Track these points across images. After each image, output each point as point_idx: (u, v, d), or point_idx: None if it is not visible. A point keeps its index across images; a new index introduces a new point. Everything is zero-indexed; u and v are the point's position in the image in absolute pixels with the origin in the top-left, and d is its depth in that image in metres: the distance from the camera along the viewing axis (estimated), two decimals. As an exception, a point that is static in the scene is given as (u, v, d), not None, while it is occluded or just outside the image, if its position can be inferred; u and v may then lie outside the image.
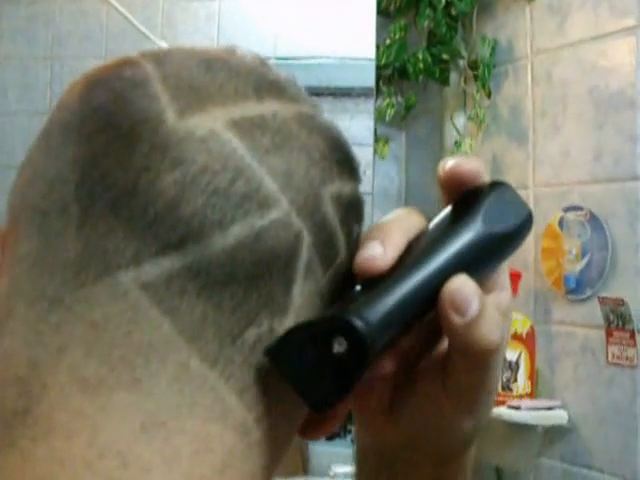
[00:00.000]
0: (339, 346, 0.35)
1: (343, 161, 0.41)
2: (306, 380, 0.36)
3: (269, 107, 0.39)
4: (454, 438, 0.43)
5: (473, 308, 0.36)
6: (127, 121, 0.37)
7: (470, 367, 0.39)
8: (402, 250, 0.38)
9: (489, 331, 0.37)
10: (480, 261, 0.38)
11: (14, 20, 1.90)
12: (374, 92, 1.64)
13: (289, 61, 1.70)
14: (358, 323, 0.34)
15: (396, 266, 0.37)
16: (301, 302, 0.37)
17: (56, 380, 0.35)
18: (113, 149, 0.36)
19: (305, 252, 0.37)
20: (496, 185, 0.39)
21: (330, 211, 0.39)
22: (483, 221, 0.38)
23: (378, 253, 0.37)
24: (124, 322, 0.35)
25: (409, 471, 0.45)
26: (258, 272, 0.36)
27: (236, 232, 0.35)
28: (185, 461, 0.35)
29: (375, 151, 1.70)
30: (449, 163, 0.40)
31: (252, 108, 0.38)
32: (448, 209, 0.39)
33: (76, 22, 1.89)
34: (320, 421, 0.41)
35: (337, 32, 1.68)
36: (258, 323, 0.36)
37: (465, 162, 0.40)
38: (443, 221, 0.39)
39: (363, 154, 1.67)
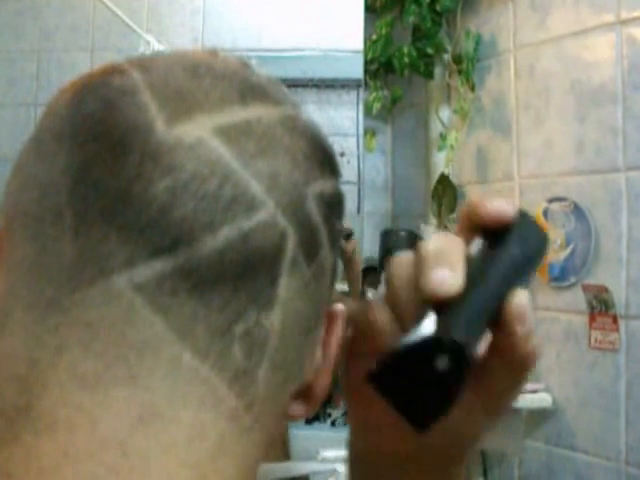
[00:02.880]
0: (442, 363, 0.37)
1: (324, 160, 0.43)
2: (409, 401, 0.39)
3: (253, 112, 0.40)
4: (472, 439, 0.46)
5: (531, 319, 0.39)
6: (118, 130, 0.38)
7: (515, 373, 0.42)
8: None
9: (535, 340, 0.40)
10: (519, 278, 0.42)
11: (1, 14, 1.89)
12: (362, 83, 1.66)
13: (274, 53, 1.73)
14: (461, 340, 0.37)
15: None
16: (287, 296, 0.39)
17: (56, 378, 0.36)
18: (105, 157, 0.38)
19: (290, 249, 0.39)
20: (520, 215, 0.43)
21: (314, 209, 0.41)
22: (518, 246, 0.42)
23: (451, 278, 0.39)
24: (119, 322, 0.36)
25: (418, 474, 0.48)
26: (246, 271, 0.37)
27: (225, 234, 0.37)
28: (181, 448, 0.37)
29: (359, 142, 1.72)
30: (490, 205, 0.43)
31: (237, 114, 0.40)
32: (482, 238, 0.43)
33: (63, 15, 1.90)
34: (305, 403, 0.44)
35: (324, 25, 1.70)
36: (246, 318, 0.38)
37: (502, 204, 0.42)
38: (484, 247, 0.42)
39: (348, 144, 1.70)
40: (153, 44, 1.74)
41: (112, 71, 0.41)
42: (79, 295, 0.37)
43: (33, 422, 0.36)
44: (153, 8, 1.84)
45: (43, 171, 0.39)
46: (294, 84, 1.66)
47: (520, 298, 0.40)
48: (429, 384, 0.38)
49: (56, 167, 0.39)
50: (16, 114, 1.91)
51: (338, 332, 0.45)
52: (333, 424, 1.66)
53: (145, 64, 0.41)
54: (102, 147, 0.38)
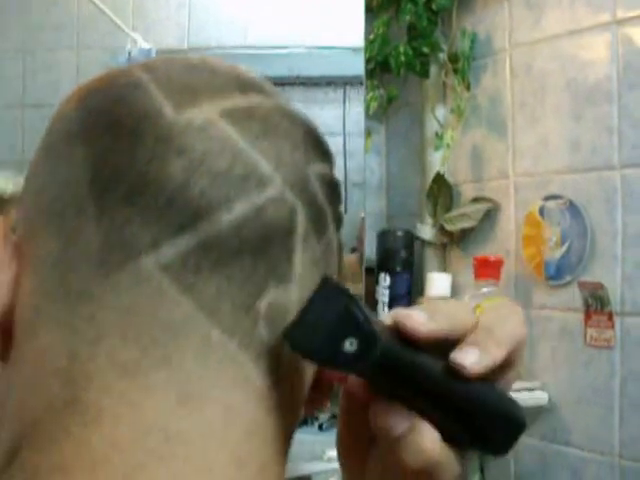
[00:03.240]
0: (350, 345, 0.38)
1: (319, 146, 0.45)
2: (318, 346, 0.38)
3: (254, 99, 0.42)
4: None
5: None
6: (130, 119, 0.39)
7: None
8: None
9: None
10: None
11: (-14, 13, 1.89)
12: (364, 81, 1.66)
13: (260, 50, 1.73)
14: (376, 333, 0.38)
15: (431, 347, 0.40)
16: (301, 271, 0.41)
17: (97, 368, 0.37)
18: (120, 145, 0.39)
19: (301, 225, 0.41)
20: None
21: (317, 188, 0.42)
22: None
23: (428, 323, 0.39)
24: (150, 304, 0.37)
25: None
26: (262, 245, 0.39)
27: (239, 209, 0.38)
28: (218, 430, 0.37)
29: (345, 141, 1.72)
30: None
31: (239, 100, 0.42)
32: None
33: (48, 13, 1.89)
34: (315, 397, 0.44)
35: (321, 22, 1.70)
36: (267, 293, 0.39)
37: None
38: None
39: (335, 143, 1.70)
40: (139, 42, 1.74)
41: (117, 73, 0.43)
42: (109, 281, 0.38)
43: (81, 414, 0.36)
44: (138, 4, 1.83)
45: (59, 171, 0.41)
46: (280, 82, 1.66)
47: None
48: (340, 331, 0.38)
49: (72, 164, 0.40)
50: (3, 114, 1.89)
51: None
52: (320, 428, 1.66)
53: (147, 66, 0.43)
54: (116, 136, 0.39)
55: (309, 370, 0.43)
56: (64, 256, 0.39)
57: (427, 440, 0.39)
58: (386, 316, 0.42)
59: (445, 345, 0.40)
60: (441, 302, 0.43)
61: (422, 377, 0.39)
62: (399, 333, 0.39)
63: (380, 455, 0.43)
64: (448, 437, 0.41)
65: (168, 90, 0.41)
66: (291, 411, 0.42)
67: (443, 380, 0.39)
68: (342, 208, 0.46)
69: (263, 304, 0.39)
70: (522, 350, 0.42)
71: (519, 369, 0.42)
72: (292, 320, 0.39)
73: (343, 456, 0.47)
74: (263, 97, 0.43)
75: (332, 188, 0.44)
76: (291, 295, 0.40)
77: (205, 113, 0.40)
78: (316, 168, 0.43)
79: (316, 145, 0.44)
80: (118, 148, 0.39)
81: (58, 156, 0.41)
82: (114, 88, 0.42)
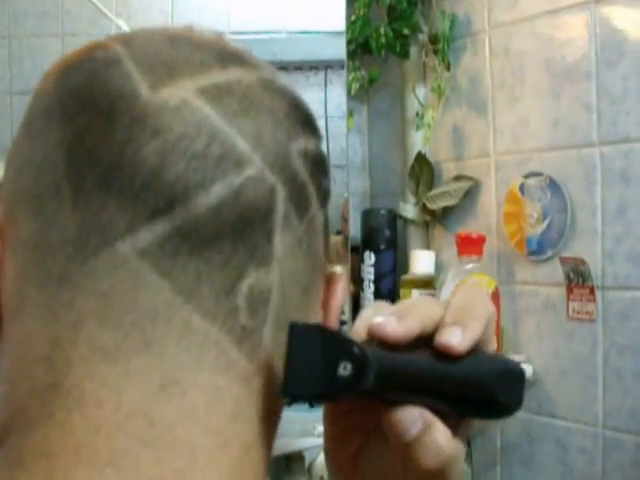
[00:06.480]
0: (344, 369, 0.39)
1: (304, 120, 0.44)
2: (300, 369, 0.39)
3: (233, 74, 0.41)
4: None
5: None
6: (105, 98, 0.39)
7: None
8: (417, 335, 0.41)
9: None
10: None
11: (-31, 1, 1.88)
12: (345, 64, 1.68)
13: (244, 36, 1.73)
14: (368, 357, 0.40)
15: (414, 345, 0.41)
16: (282, 251, 0.40)
17: (77, 353, 0.37)
18: (95, 126, 0.38)
19: (281, 204, 0.40)
20: None
21: (299, 165, 0.41)
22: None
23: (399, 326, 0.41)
24: (129, 289, 0.37)
25: None
26: (241, 226, 0.38)
27: (217, 191, 0.38)
28: (202, 414, 0.37)
29: (327, 124, 1.73)
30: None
31: (218, 76, 0.41)
32: None
33: (32, 0, 1.88)
34: None
35: (299, 6, 1.71)
36: (247, 275, 0.39)
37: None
38: None
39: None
40: (124, 28, 1.74)
41: (95, 47, 0.42)
42: (87, 266, 0.37)
43: (64, 399, 0.36)
44: (121, -10, 1.82)
45: (37, 150, 0.40)
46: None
47: (403, 414, 0.40)
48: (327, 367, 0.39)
49: (49, 144, 0.39)
50: (-9, 102, 1.88)
51: (339, 294, 0.46)
52: (311, 405, 1.68)
53: (126, 39, 0.42)
54: (91, 117, 0.39)
55: None
56: (43, 239, 0.38)
57: (443, 438, 0.40)
58: (358, 327, 0.43)
59: (425, 338, 0.41)
60: (407, 301, 0.44)
61: (419, 372, 0.41)
62: (378, 342, 0.41)
63: (384, 457, 0.44)
64: (460, 417, 0.43)
65: (145, 67, 0.40)
66: (274, 397, 0.41)
67: (439, 366, 0.41)
68: (328, 183, 0.45)
69: (244, 287, 0.39)
70: (493, 324, 0.44)
71: (492, 342, 0.44)
72: (283, 377, 0.39)
73: (332, 463, 0.48)
74: (245, 71, 0.42)
75: (317, 163, 0.44)
76: (272, 277, 0.40)
77: (181, 92, 0.39)
78: (299, 144, 0.42)
79: (300, 119, 0.43)
80: (93, 129, 0.38)
81: (36, 135, 0.41)
82: (91, 63, 0.41)
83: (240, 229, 0.38)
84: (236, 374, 0.39)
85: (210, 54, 0.42)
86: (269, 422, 0.41)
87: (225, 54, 0.42)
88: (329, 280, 0.46)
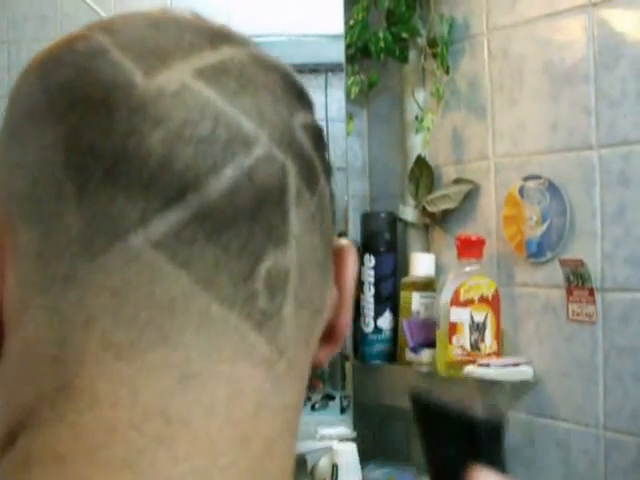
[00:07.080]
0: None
1: (300, 94, 0.43)
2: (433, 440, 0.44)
3: (224, 53, 0.40)
4: None
5: None
6: (98, 91, 0.37)
7: None
8: None
9: None
10: None
11: (-33, 6, 1.88)
12: (344, 68, 1.69)
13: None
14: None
15: None
16: (298, 230, 0.39)
17: (89, 352, 0.36)
18: (92, 121, 0.37)
19: (293, 181, 0.39)
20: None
21: (304, 140, 0.40)
22: None
23: None
24: (144, 283, 0.36)
25: None
26: (256, 208, 0.37)
27: (228, 174, 0.37)
28: (222, 406, 0.36)
29: (327, 127, 1.74)
30: None
31: (210, 56, 0.39)
32: None
33: (31, 5, 1.88)
34: (329, 344, 0.44)
35: (298, 10, 1.72)
36: (265, 258, 0.38)
37: None
38: None
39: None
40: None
41: (73, 39, 0.40)
42: (97, 262, 0.36)
43: (75, 401, 0.35)
44: (119, -6, 1.82)
45: (29, 153, 0.38)
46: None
47: None
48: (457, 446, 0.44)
49: (42, 145, 0.38)
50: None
51: (350, 266, 0.45)
52: (313, 408, 1.69)
53: (105, 27, 0.41)
54: (85, 112, 0.37)
55: (313, 338, 0.42)
56: (45, 244, 0.37)
57: None
58: None
59: None
60: None
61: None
62: None
63: None
64: None
65: (134, 54, 0.38)
66: (298, 382, 0.41)
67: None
68: (329, 156, 0.44)
69: (262, 270, 0.38)
70: None
71: None
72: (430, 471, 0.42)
73: None
74: (234, 48, 0.41)
75: (317, 136, 0.43)
76: (290, 255, 0.39)
77: (178, 75, 0.38)
78: (300, 118, 0.41)
79: (296, 93, 0.42)
80: (90, 124, 0.37)
81: (25, 138, 0.39)
82: (74, 56, 0.39)
83: (255, 210, 0.37)
84: (257, 359, 0.38)
85: (198, 34, 0.40)
86: (295, 409, 0.40)
87: (212, 33, 0.41)
88: (338, 254, 0.45)
